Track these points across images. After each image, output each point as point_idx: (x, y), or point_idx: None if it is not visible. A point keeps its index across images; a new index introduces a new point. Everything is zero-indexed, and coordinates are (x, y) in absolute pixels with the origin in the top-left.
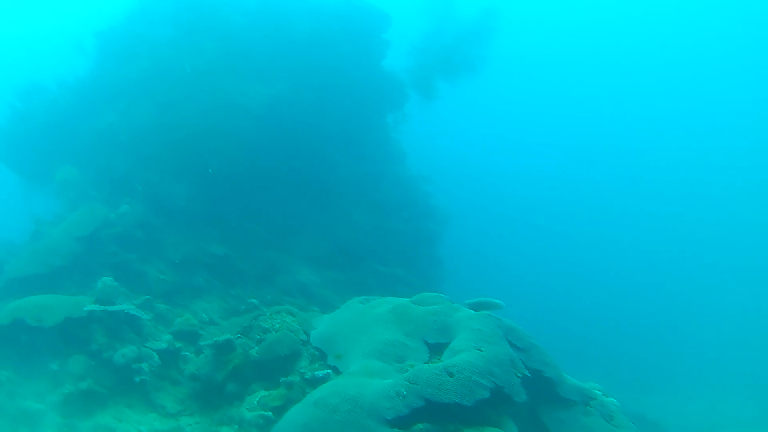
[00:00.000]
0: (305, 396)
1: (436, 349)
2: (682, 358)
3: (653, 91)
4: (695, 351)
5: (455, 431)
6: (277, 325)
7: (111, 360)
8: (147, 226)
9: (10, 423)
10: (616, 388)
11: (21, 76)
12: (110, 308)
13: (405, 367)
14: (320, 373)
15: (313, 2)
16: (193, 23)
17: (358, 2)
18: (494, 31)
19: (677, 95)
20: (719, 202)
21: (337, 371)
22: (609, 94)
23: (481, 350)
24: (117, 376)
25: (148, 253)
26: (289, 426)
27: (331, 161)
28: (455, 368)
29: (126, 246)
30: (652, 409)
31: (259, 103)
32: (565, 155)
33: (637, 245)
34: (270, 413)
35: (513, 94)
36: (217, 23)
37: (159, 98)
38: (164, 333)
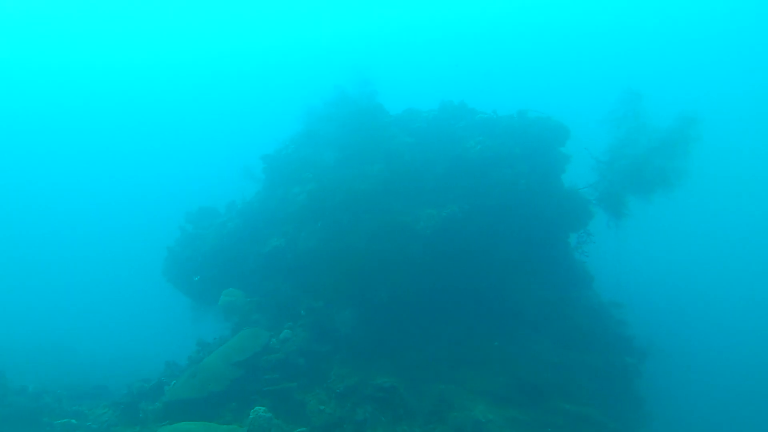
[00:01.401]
0: None
1: None
2: None
3: None
4: None
5: None
6: None
7: None
8: (309, 353)
9: None
10: None
11: (193, 200)
12: None
13: None
14: None
15: (484, 118)
16: (360, 145)
17: (533, 115)
18: (693, 140)
19: None
20: None
21: None
22: None
23: None
24: None
25: (309, 382)
26: None
27: (508, 287)
28: None
29: (286, 373)
30: None
31: (429, 225)
32: None
33: None
34: None
35: (717, 210)
36: (384, 144)
37: (325, 222)
38: None
